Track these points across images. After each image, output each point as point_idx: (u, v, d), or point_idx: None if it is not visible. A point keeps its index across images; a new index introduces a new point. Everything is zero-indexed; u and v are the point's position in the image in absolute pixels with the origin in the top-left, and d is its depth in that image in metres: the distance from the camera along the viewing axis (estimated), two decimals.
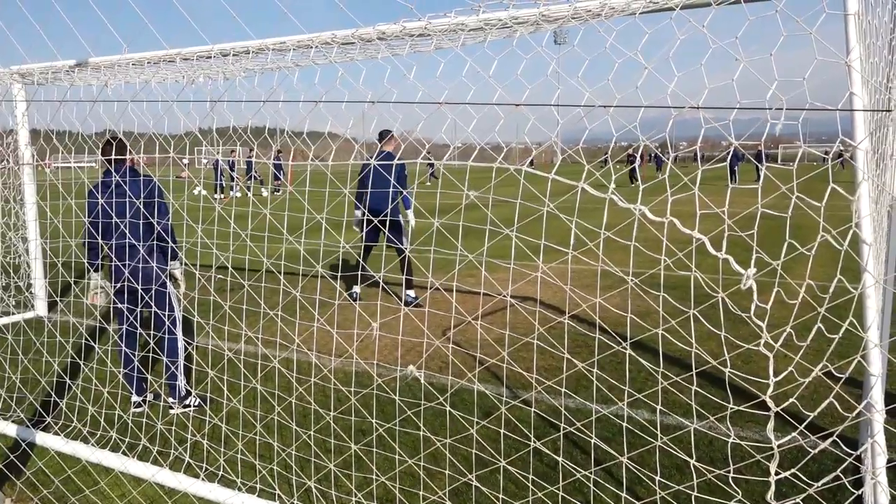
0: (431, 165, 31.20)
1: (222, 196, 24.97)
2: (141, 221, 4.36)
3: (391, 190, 7.33)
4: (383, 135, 7.60)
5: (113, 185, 4.39)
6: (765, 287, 2.03)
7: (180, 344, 4.58)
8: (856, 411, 2.41)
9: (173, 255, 4.58)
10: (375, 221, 7.34)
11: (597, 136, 2.83)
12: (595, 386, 4.72)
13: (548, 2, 3.18)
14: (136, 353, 4.55)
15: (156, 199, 4.37)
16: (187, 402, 4.58)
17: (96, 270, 4.59)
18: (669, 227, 2.18)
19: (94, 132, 4.50)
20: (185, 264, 4.77)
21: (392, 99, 2.81)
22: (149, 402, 4.67)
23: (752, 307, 2.08)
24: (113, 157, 4.44)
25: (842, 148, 2.46)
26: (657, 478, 3.22)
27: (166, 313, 4.44)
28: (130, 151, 4.52)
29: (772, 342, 2.13)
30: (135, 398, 4.61)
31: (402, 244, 7.59)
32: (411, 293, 7.75)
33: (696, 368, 3.02)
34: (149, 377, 4.95)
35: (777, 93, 2.16)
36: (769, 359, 2.16)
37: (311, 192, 3.82)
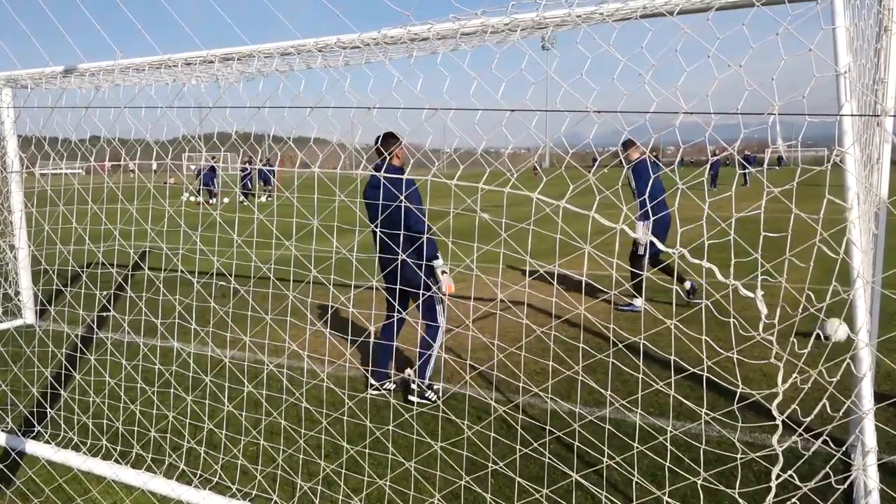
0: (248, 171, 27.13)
1: (205, 201, 24.64)
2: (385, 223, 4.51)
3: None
4: None
5: (369, 184, 4.74)
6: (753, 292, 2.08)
7: (439, 337, 4.76)
8: (843, 407, 2.44)
9: (431, 253, 4.63)
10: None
11: (585, 141, 2.86)
12: (588, 389, 4.74)
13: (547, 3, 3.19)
14: (393, 343, 4.90)
15: (397, 201, 4.41)
16: (426, 395, 4.79)
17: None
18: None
19: (87, 137, 4.47)
20: (182, 271, 4.75)
21: (392, 105, 2.83)
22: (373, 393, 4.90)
23: (761, 325, 2.11)
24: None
25: (780, 152, 2.50)
26: (642, 480, 3.24)
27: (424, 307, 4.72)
28: (393, 146, 4.62)
29: (781, 352, 2.16)
30: (374, 382, 4.94)
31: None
32: (635, 302, 7.47)
33: (686, 371, 3.07)
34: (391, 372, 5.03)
35: (770, 99, 2.20)
36: (768, 366, 2.18)
37: (302, 197, 3.83)
